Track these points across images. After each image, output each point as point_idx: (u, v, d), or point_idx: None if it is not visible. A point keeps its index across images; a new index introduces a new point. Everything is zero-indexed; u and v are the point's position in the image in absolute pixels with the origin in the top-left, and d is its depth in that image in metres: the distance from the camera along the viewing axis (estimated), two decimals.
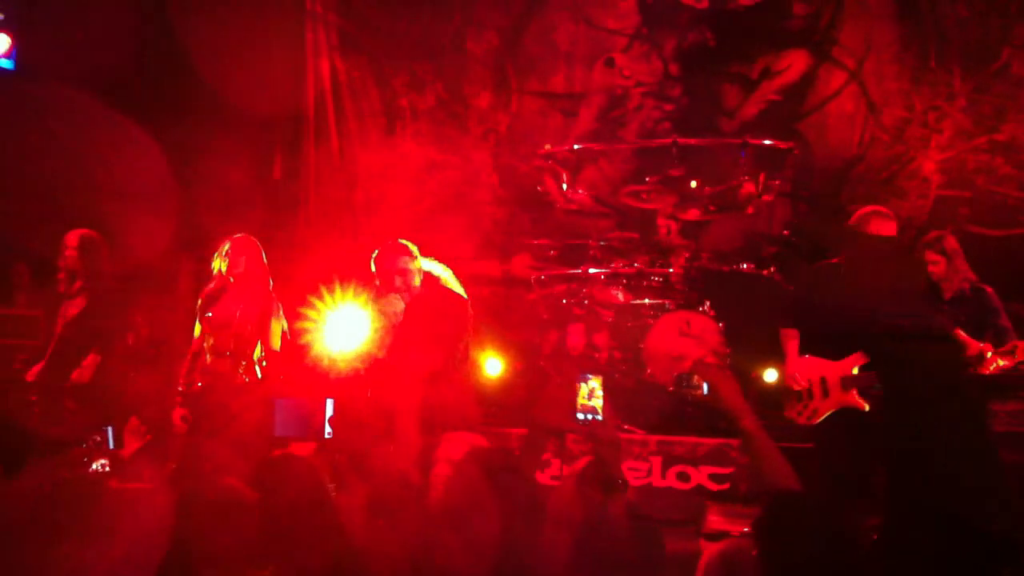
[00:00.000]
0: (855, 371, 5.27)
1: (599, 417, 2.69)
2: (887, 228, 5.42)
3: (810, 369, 5.44)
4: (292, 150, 9.41)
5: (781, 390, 5.69)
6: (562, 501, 2.86)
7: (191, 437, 5.54)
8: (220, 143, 8.37)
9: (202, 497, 2.51)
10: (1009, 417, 6.34)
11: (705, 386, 2.70)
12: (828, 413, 5.33)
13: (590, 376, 2.69)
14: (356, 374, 5.51)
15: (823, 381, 5.34)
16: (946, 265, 5.62)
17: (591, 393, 2.69)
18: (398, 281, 5.16)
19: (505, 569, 2.51)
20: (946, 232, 5.80)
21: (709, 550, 2.89)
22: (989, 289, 5.70)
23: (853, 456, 5.17)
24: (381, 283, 5.22)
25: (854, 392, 5.24)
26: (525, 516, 2.74)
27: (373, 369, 5.27)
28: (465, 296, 5.39)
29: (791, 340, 5.58)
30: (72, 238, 6.11)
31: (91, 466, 4.97)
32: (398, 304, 5.14)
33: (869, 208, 5.60)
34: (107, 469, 5.01)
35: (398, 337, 5.16)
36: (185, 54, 8.06)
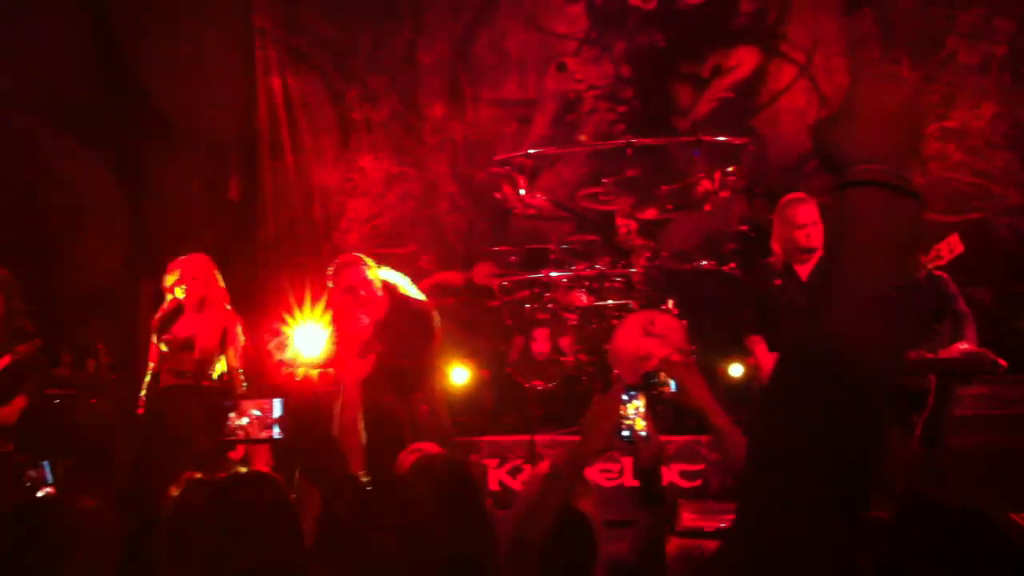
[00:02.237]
0: None
1: (644, 434, 2.67)
2: (807, 211, 5.52)
3: (771, 362, 5.50)
4: (248, 169, 9.35)
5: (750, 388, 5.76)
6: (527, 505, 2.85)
7: (145, 458, 5.49)
8: (174, 165, 8.31)
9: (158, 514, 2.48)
10: (974, 401, 6.41)
11: (673, 384, 2.70)
12: None
13: (634, 393, 2.66)
14: (311, 381, 5.51)
15: None
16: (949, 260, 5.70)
17: (636, 411, 2.66)
18: (361, 293, 5.13)
19: None
20: (955, 235, 5.83)
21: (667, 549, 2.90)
22: (946, 276, 5.78)
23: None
24: (341, 299, 5.19)
25: None
26: (480, 531, 2.72)
27: (333, 377, 5.25)
28: (424, 299, 5.39)
29: (758, 344, 5.64)
30: None
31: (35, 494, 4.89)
32: (362, 320, 5.10)
33: (789, 196, 5.75)
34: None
35: (366, 350, 5.13)
36: (135, 76, 7.99)
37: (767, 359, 5.57)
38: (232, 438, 4.58)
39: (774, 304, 5.61)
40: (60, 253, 7.67)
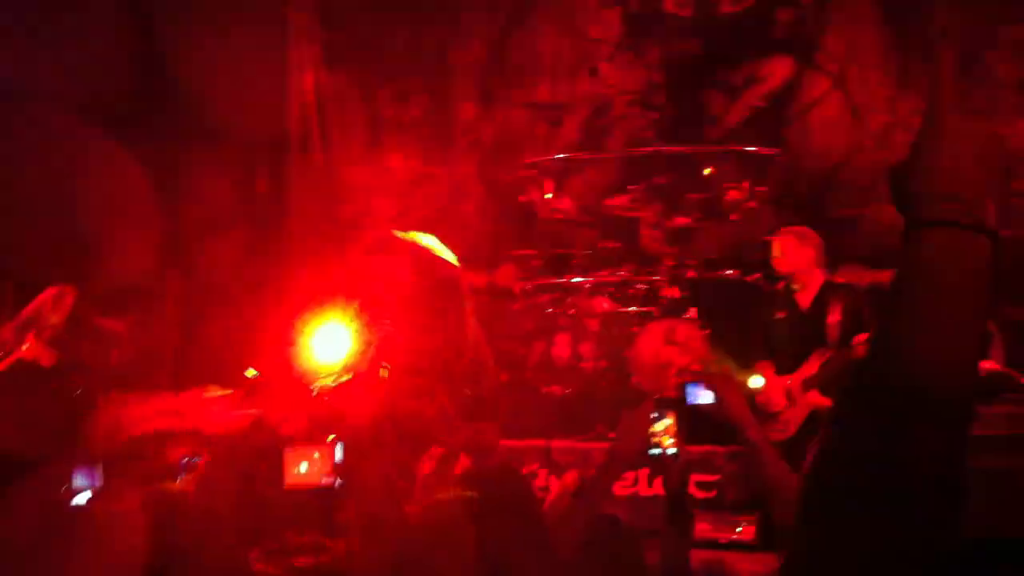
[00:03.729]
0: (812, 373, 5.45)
1: (672, 452, 2.64)
2: (781, 243, 5.72)
3: (776, 386, 5.57)
4: (276, 164, 9.38)
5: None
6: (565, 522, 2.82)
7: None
8: (203, 157, 8.34)
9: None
10: (997, 420, 6.31)
11: (711, 396, 2.67)
12: (801, 421, 5.44)
13: (665, 411, 2.62)
14: (344, 388, 5.48)
15: (788, 392, 5.48)
16: None
17: (665, 429, 2.63)
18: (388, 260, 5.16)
19: None
20: None
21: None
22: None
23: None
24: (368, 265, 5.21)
25: (815, 392, 5.38)
26: (524, 539, 2.67)
27: (362, 380, 5.23)
28: (456, 263, 5.38)
29: (767, 370, 5.77)
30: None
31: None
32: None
33: (791, 229, 5.92)
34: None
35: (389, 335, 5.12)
36: (166, 69, 8.03)
37: (774, 385, 5.65)
38: (295, 488, 4.51)
39: (774, 330, 5.74)
40: (94, 248, 7.72)
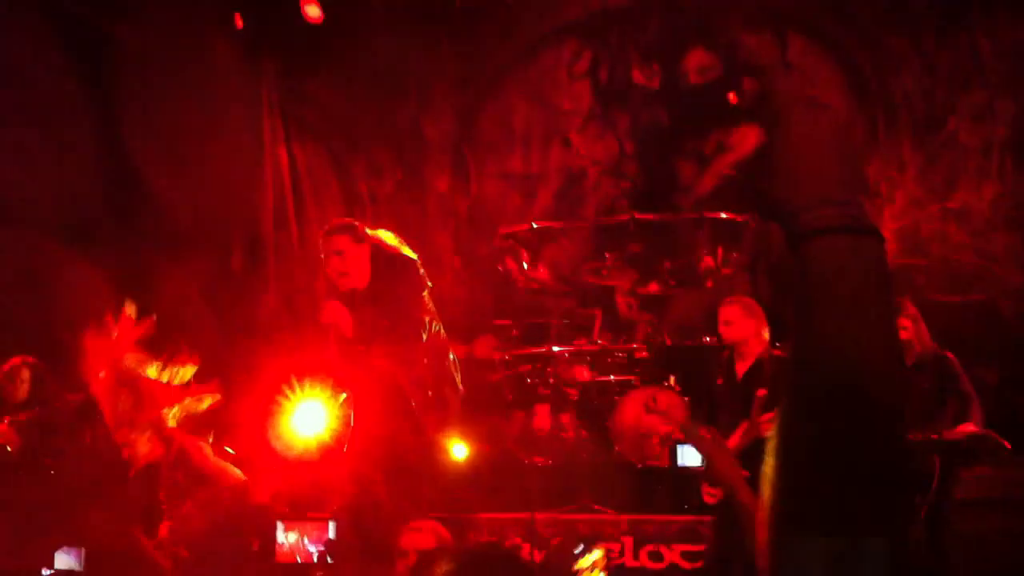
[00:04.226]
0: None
1: None
2: (728, 311, 5.77)
3: None
4: (251, 241, 9.36)
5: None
6: None
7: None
8: (175, 236, 8.29)
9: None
10: (979, 483, 6.33)
11: (699, 458, 2.67)
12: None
13: (591, 546, 2.57)
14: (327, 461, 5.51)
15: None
16: (914, 330, 5.71)
17: (593, 563, 2.60)
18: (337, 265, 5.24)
19: None
20: (906, 298, 5.90)
21: None
22: (950, 355, 5.77)
23: None
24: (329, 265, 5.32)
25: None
26: None
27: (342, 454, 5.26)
28: (415, 257, 5.46)
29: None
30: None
31: None
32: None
33: (737, 298, 6.04)
34: None
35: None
36: (134, 147, 7.98)
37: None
38: (284, 559, 4.47)
39: (720, 399, 5.77)
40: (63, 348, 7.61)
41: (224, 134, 8.94)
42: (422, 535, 4.20)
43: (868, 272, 1.14)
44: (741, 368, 5.75)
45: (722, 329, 5.83)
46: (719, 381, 5.79)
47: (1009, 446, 6.14)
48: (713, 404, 5.85)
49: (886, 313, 1.12)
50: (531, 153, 9.55)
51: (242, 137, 9.36)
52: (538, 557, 6.07)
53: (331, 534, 1.71)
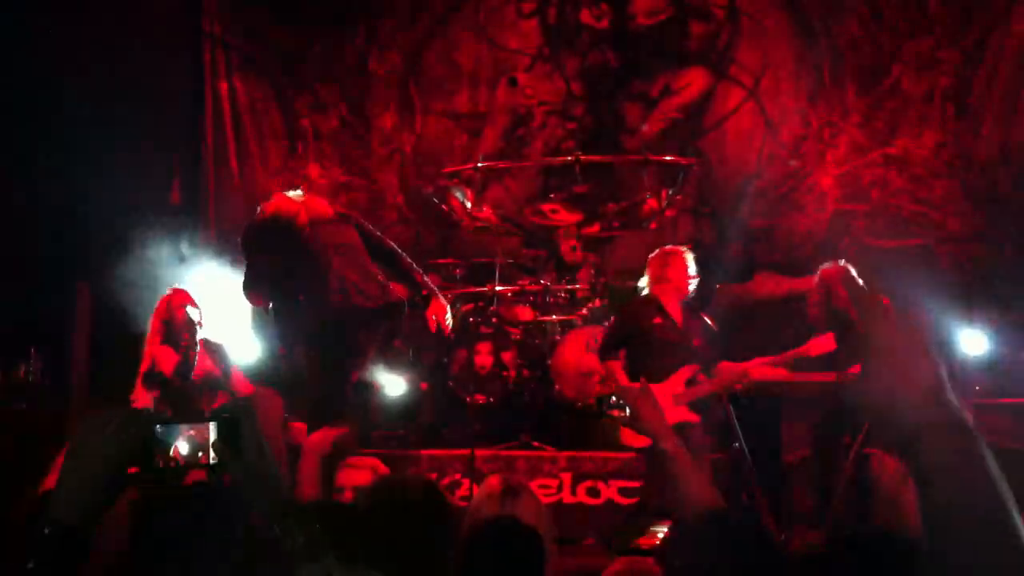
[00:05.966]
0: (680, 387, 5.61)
1: None
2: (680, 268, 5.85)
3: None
4: (191, 174, 9.21)
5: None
6: None
7: None
8: (116, 168, 8.13)
9: None
10: None
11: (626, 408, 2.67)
12: None
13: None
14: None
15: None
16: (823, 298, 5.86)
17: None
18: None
19: None
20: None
21: (609, 568, 2.86)
22: (886, 300, 5.84)
23: None
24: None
25: (684, 408, 5.46)
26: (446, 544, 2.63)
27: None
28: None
29: (618, 370, 5.80)
30: None
31: None
32: None
33: (668, 247, 6.06)
34: None
35: None
36: (76, 76, 7.80)
37: (626, 383, 5.73)
38: (175, 461, 4.44)
39: (647, 338, 5.74)
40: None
41: (163, 66, 8.75)
42: (359, 472, 4.19)
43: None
44: (677, 312, 5.79)
45: (689, 281, 5.87)
46: (656, 320, 5.80)
47: None
48: (636, 342, 5.85)
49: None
50: (478, 92, 9.46)
51: (182, 69, 9.17)
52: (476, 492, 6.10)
53: (212, 435, 1.66)
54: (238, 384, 5.92)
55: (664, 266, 5.91)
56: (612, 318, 6.24)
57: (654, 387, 5.45)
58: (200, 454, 1.87)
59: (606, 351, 5.92)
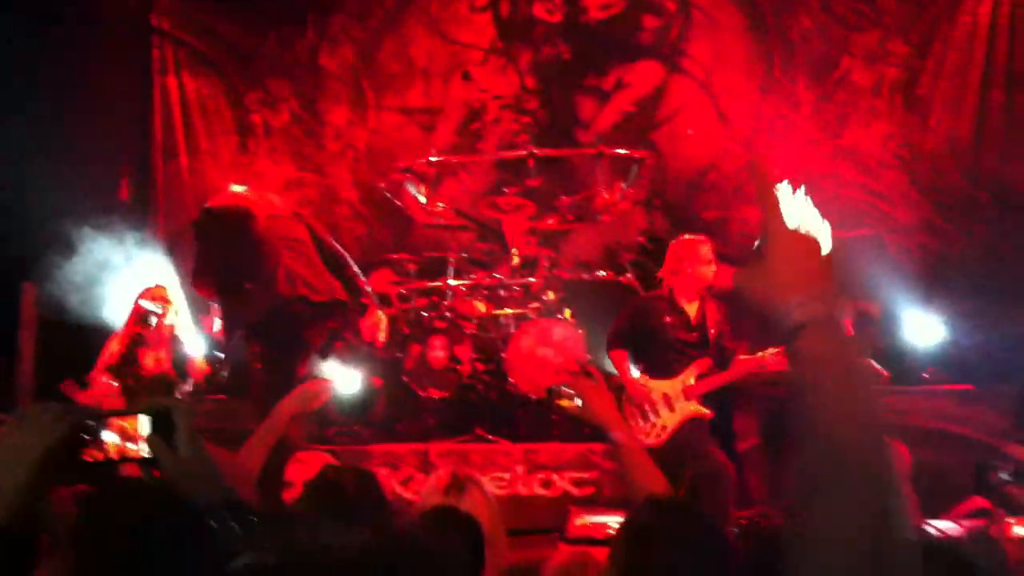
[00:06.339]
0: (692, 382, 5.62)
1: None
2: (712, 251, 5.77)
3: (649, 389, 5.65)
4: (140, 170, 9.10)
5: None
6: None
7: None
8: (63, 165, 8.00)
9: None
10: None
11: (578, 399, 2.65)
12: (676, 428, 5.56)
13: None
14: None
15: (665, 398, 5.56)
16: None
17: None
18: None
19: None
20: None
21: (551, 559, 2.86)
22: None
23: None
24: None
25: (697, 402, 5.49)
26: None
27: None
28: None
29: (623, 361, 5.80)
30: None
31: None
32: None
33: (688, 235, 5.94)
34: None
35: None
36: (20, 71, 7.66)
37: (628, 376, 5.78)
38: (106, 456, 4.41)
39: (658, 336, 5.73)
40: None
41: (111, 61, 8.63)
42: (308, 467, 4.15)
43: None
44: (692, 310, 5.78)
45: (705, 270, 5.73)
46: (667, 319, 5.77)
47: (887, 374, 6.35)
48: (646, 338, 5.81)
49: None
50: (431, 86, 9.42)
51: (130, 65, 9.05)
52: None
53: (144, 429, 1.61)
54: (195, 374, 5.97)
55: (680, 258, 5.82)
56: (621, 310, 6.18)
57: (665, 382, 5.55)
58: (132, 448, 1.84)
59: (612, 343, 5.90)
